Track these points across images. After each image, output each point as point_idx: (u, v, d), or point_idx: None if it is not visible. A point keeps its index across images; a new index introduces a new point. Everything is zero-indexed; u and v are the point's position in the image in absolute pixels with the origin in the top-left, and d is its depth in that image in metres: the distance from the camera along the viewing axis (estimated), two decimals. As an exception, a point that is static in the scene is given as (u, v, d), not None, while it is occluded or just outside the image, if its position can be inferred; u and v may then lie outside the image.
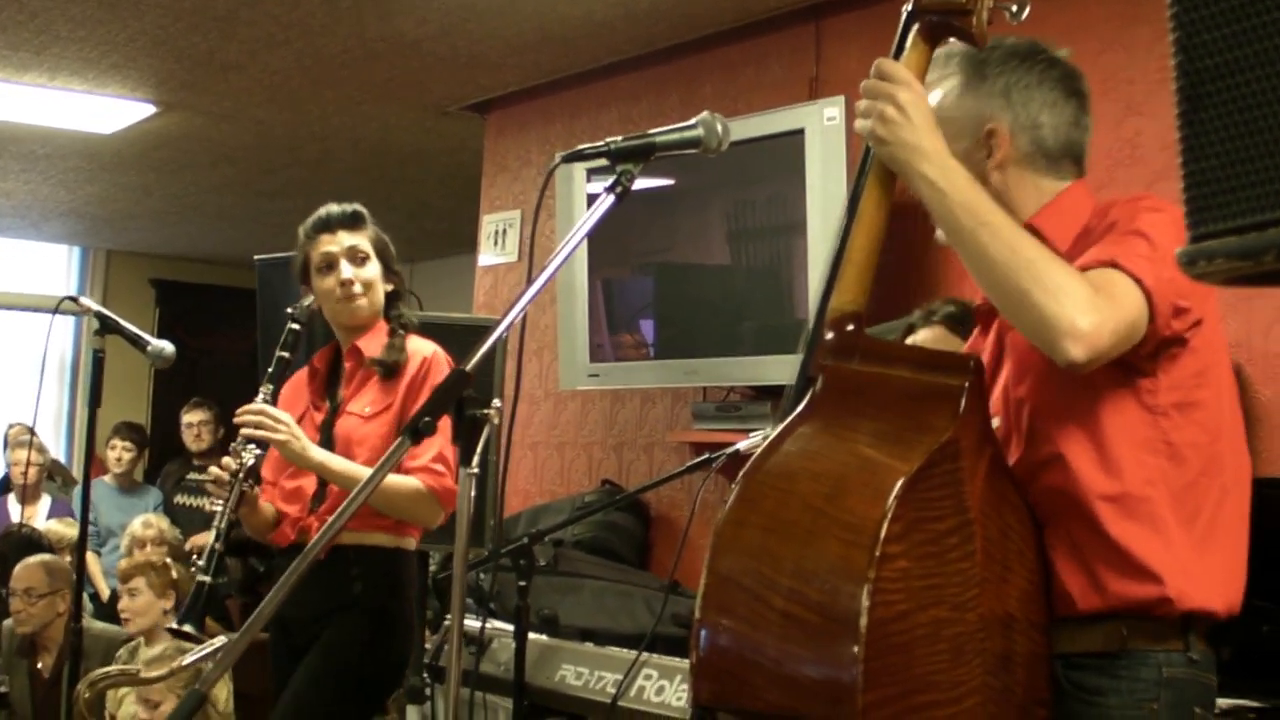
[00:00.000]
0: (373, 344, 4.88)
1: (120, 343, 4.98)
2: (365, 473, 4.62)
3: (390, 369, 4.78)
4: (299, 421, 4.84)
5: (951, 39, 3.01)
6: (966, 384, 2.76)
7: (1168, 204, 2.95)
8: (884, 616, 2.50)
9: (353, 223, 4.97)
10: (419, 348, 4.89)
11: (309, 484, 4.83)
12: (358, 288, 4.86)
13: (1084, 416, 2.88)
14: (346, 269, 4.87)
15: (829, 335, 2.87)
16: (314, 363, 5.01)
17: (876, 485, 2.60)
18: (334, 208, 4.98)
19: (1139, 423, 2.86)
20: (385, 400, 4.79)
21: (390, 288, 4.97)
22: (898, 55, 2.94)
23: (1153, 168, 5.31)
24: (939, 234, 3.01)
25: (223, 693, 6.47)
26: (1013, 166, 3.03)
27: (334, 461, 4.66)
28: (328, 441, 4.80)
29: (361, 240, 4.93)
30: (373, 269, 4.92)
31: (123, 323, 4.77)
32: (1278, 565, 3.71)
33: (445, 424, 4.79)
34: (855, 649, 2.47)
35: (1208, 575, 2.87)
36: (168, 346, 4.70)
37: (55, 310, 5.18)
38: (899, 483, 2.57)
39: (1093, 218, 2.98)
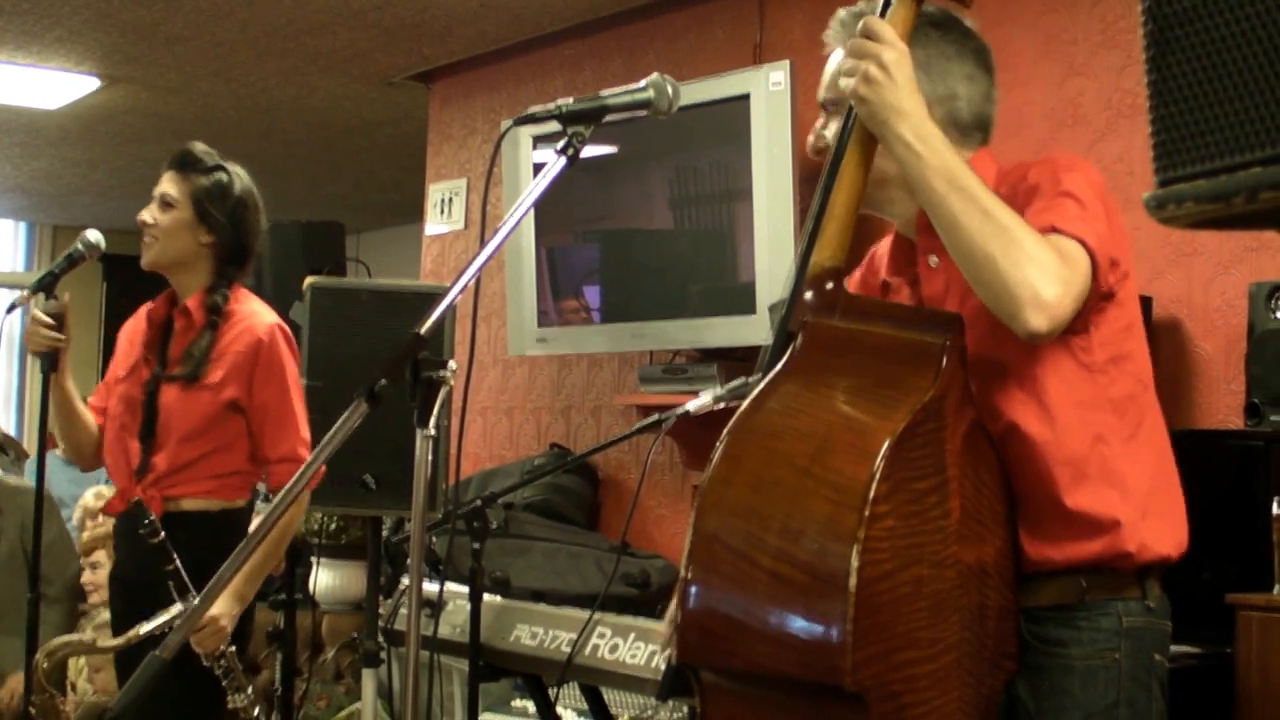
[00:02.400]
0: (199, 312, 4.79)
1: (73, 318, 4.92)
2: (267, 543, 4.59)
3: (190, 378, 4.70)
4: (130, 374, 4.82)
5: None
6: (947, 342, 2.76)
7: (1080, 161, 3.00)
8: (871, 576, 2.52)
9: (178, 165, 4.84)
10: (253, 324, 4.76)
11: (133, 454, 4.76)
12: (148, 234, 4.77)
13: (1028, 384, 2.89)
14: (147, 210, 4.79)
15: (809, 292, 2.85)
16: (151, 312, 4.90)
17: (862, 445, 2.62)
18: (186, 147, 4.89)
19: (1078, 381, 2.88)
20: (210, 374, 4.72)
21: (210, 240, 4.81)
22: (883, 13, 2.91)
23: (1094, 127, 5.37)
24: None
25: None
26: None
27: (254, 572, 4.65)
28: (152, 407, 4.73)
29: (175, 187, 4.79)
30: (173, 217, 4.77)
31: (51, 269, 4.75)
32: (1218, 515, 3.79)
33: (296, 396, 4.81)
34: (844, 608, 2.50)
35: (1161, 521, 2.92)
36: (97, 234, 4.77)
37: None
38: (886, 443, 2.58)
39: (1000, 184, 2.96)
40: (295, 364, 4.86)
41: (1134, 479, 2.90)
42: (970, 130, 3.07)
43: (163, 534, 4.46)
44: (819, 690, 2.57)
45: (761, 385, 2.82)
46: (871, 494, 2.54)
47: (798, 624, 2.59)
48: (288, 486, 2.86)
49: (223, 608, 4.52)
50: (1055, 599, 2.91)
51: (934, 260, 3.01)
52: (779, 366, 2.84)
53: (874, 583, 2.53)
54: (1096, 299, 2.83)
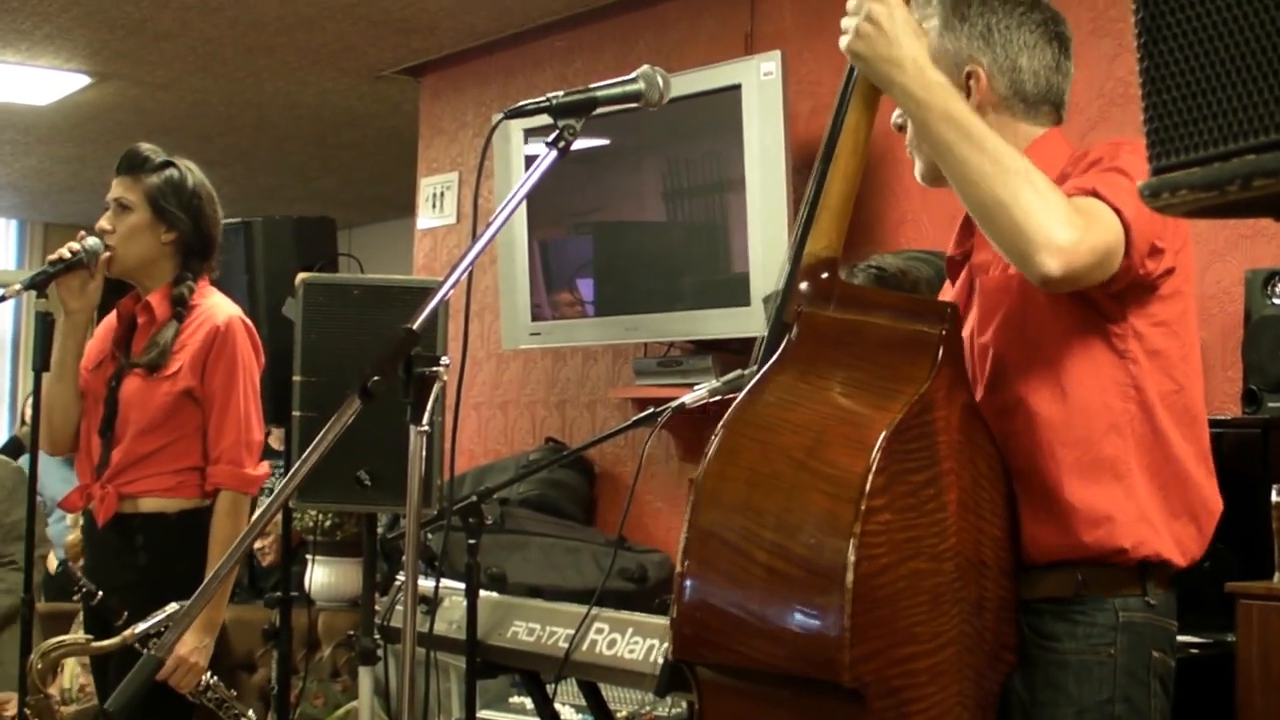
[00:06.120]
0: (162, 306, 4.81)
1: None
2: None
3: (151, 367, 4.72)
4: (98, 367, 4.83)
5: None
6: (943, 332, 2.76)
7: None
8: (868, 571, 2.52)
9: (127, 168, 4.85)
10: (211, 314, 4.79)
11: (95, 449, 4.78)
12: (107, 242, 4.77)
13: (1049, 362, 2.87)
14: (104, 218, 4.80)
15: (804, 282, 2.84)
16: (120, 307, 4.92)
17: (858, 438, 2.61)
18: (131, 149, 4.89)
19: (1108, 365, 2.86)
20: (170, 365, 4.73)
21: (172, 236, 4.83)
22: None
23: (1087, 116, 5.31)
24: (918, 170, 3.02)
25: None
26: (990, 110, 2.99)
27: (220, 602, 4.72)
28: (114, 401, 4.75)
29: (129, 191, 4.81)
30: (131, 221, 4.79)
31: (45, 268, 4.74)
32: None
33: (246, 392, 4.79)
34: (841, 604, 2.49)
35: (1170, 524, 2.88)
36: (96, 241, 4.76)
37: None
38: (881, 435, 2.57)
39: (1068, 164, 2.95)
40: (255, 360, 4.88)
41: (1143, 475, 2.86)
42: (1036, 104, 3.06)
43: (100, 594, 4.54)
44: (817, 686, 2.57)
45: (757, 377, 2.82)
46: (868, 487, 2.53)
47: (795, 620, 2.58)
48: (278, 489, 2.84)
49: (191, 643, 4.56)
50: (1051, 591, 2.89)
51: None
52: (774, 358, 2.83)
53: (871, 577, 2.53)
54: (1127, 280, 2.79)
